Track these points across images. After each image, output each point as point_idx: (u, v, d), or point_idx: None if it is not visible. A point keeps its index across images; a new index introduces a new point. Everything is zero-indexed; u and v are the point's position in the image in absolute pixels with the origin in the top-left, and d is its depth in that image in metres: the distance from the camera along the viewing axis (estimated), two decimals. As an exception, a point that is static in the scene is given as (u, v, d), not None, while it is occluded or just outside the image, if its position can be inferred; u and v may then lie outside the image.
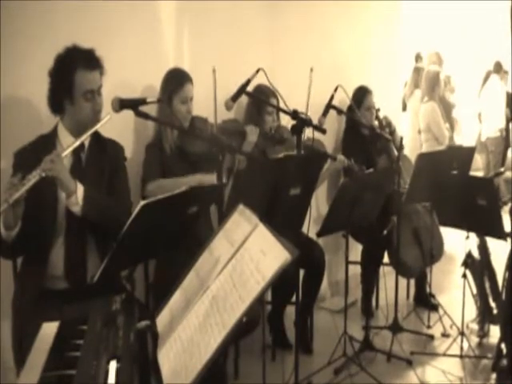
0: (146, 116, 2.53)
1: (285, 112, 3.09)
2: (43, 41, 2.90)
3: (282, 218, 2.80)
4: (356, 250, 4.56)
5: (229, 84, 3.24)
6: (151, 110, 3.27)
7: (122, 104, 2.51)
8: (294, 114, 3.01)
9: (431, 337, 3.99)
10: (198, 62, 3.61)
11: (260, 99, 3.58)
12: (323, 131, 3.03)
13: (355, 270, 4.50)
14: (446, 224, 3.85)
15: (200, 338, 1.26)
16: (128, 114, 2.54)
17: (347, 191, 3.18)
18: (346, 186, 3.17)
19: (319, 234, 3.31)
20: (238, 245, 1.40)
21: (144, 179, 3.20)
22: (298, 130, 2.96)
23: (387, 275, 4.30)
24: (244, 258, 1.34)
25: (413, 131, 6.31)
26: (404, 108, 6.55)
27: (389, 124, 4.41)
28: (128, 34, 3.33)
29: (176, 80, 3.32)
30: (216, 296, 1.32)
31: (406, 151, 4.89)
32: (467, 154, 4.22)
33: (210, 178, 3.00)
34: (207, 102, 3.32)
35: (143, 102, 2.53)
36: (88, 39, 2.63)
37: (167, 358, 1.32)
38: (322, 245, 4.03)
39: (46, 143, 2.61)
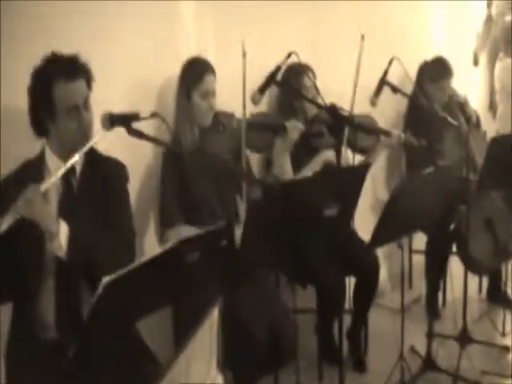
0: (139, 135, 2.07)
1: (319, 106, 2.57)
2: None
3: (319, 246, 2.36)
4: (421, 239, 4.02)
5: (261, 71, 2.75)
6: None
7: (112, 120, 2.07)
8: (332, 110, 2.49)
9: (507, 348, 3.46)
10: (224, 47, 3.08)
11: (291, 88, 3.03)
12: (365, 130, 2.50)
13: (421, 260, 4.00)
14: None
15: None
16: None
17: (400, 200, 2.61)
18: (396, 196, 2.58)
19: (371, 247, 2.80)
20: None
21: (161, 217, 2.78)
22: (336, 130, 2.46)
23: (455, 266, 3.78)
24: None
25: (485, 89, 5.55)
26: (475, 62, 5.76)
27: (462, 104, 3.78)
28: (137, 22, 2.82)
29: (194, 72, 2.84)
30: None
31: (478, 111, 4.26)
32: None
33: None
34: (234, 94, 2.81)
35: (136, 117, 2.08)
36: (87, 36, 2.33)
37: None
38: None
39: (32, 171, 2.22)
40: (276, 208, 2.04)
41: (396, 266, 4.21)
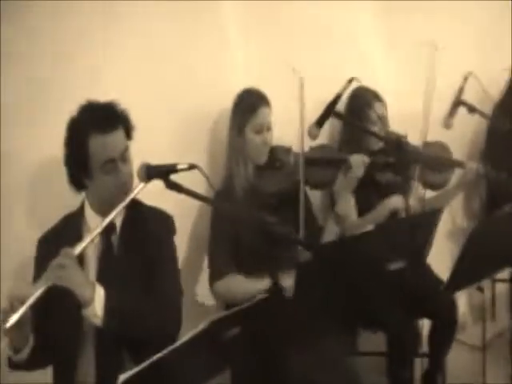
0: (178, 189, 1.87)
1: (383, 140, 2.31)
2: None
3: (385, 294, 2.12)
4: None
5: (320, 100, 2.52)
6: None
7: (149, 173, 1.88)
8: (397, 144, 2.22)
9: None
10: (280, 76, 2.82)
11: (353, 121, 2.76)
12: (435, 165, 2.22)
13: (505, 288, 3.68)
14: None
15: None
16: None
17: (480, 241, 2.29)
18: (475, 237, 2.27)
19: (447, 291, 2.57)
20: None
21: (210, 267, 2.60)
22: (402, 168, 2.18)
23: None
24: None
25: None
26: None
27: None
28: (186, 51, 2.70)
29: (247, 105, 2.64)
30: None
31: None
32: None
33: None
34: (291, 127, 2.62)
35: (173, 169, 1.87)
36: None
37: None
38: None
39: (72, 226, 2.10)
40: (328, 268, 1.79)
41: (477, 295, 3.90)
